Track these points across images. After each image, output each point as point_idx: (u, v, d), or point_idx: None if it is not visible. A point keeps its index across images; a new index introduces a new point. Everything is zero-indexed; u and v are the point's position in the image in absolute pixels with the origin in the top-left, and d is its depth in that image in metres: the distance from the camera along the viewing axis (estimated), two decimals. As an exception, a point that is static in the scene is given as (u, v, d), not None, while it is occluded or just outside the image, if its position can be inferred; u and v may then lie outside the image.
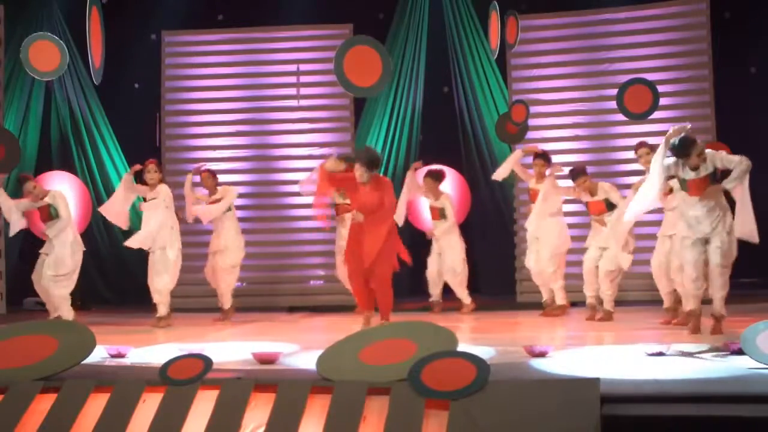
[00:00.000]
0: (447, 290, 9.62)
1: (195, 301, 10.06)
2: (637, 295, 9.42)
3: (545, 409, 3.84)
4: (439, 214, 9.36)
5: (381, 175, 7.48)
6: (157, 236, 8.29)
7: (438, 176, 9.41)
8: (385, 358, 4.42)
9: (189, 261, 10.51)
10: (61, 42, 8.20)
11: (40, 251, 8.41)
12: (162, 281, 8.26)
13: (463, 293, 9.38)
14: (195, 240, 10.21)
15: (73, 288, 8.38)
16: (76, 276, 8.36)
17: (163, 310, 8.34)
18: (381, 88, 8.64)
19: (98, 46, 8.34)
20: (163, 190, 8.37)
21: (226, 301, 9.06)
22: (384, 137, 11.18)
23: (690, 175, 6.42)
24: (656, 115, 9.20)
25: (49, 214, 8.32)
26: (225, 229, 9.02)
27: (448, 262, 9.33)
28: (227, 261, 9.00)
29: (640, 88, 8.96)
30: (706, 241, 6.48)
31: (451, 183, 10.24)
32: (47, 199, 8.33)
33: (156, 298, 8.34)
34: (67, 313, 8.18)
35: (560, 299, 8.76)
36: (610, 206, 8.12)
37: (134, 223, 9.66)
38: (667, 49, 10.46)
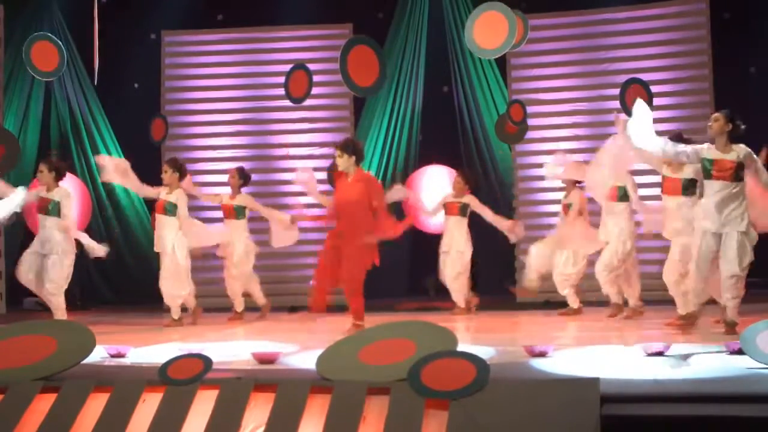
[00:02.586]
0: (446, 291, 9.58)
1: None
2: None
3: (545, 409, 3.84)
4: (459, 210, 9.27)
5: (367, 172, 7.44)
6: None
7: (469, 179, 9.43)
8: (384, 357, 4.42)
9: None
10: (60, 43, 8.18)
11: (33, 250, 7.94)
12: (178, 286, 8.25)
13: (459, 296, 9.32)
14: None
15: (73, 288, 8.26)
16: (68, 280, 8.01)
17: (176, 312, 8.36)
18: (378, 89, 8.63)
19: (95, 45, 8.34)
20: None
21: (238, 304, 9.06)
22: (384, 137, 11.18)
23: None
24: (656, 114, 9.16)
25: (47, 209, 7.86)
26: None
27: (455, 261, 9.21)
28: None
29: (638, 87, 8.97)
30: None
31: (451, 183, 10.22)
32: (53, 194, 7.90)
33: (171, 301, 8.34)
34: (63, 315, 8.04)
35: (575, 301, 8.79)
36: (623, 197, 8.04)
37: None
38: (667, 49, 10.47)
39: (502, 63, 10.74)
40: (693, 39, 10.42)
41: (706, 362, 4.97)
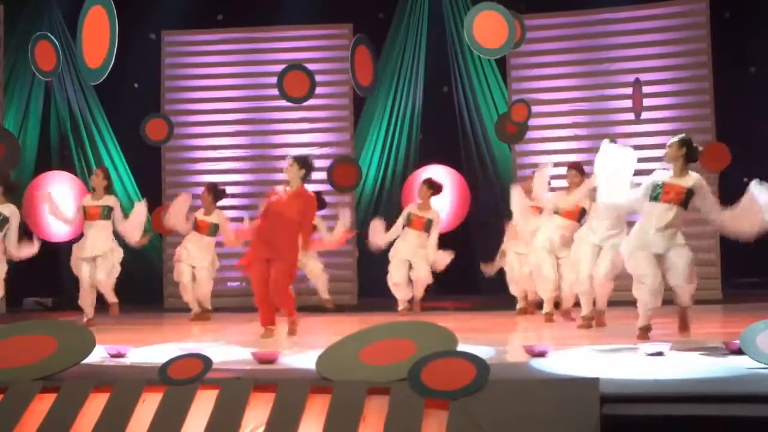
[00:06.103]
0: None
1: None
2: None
3: (545, 409, 3.84)
4: (424, 226, 8.95)
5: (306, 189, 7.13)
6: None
7: (437, 189, 9.09)
8: (384, 357, 4.42)
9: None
10: (56, 43, 8.17)
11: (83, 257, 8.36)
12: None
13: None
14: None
15: (73, 289, 8.36)
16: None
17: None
18: (372, 90, 8.64)
19: (99, 45, 8.28)
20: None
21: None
22: (384, 137, 11.19)
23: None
24: (657, 114, 9.20)
25: (100, 215, 8.33)
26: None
27: (422, 274, 8.97)
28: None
29: (637, 88, 9.00)
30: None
31: (451, 183, 10.22)
32: (106, 200, 8.40)
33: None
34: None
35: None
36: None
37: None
38: (667, 49, 10.48)
39: (502, 63, 10.76)
40: (693, 39, 10.42)
41: (706, 362, 4.97)
